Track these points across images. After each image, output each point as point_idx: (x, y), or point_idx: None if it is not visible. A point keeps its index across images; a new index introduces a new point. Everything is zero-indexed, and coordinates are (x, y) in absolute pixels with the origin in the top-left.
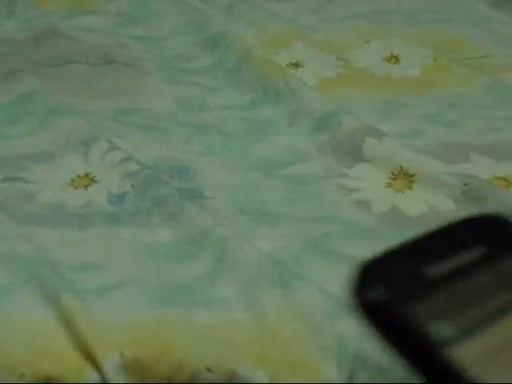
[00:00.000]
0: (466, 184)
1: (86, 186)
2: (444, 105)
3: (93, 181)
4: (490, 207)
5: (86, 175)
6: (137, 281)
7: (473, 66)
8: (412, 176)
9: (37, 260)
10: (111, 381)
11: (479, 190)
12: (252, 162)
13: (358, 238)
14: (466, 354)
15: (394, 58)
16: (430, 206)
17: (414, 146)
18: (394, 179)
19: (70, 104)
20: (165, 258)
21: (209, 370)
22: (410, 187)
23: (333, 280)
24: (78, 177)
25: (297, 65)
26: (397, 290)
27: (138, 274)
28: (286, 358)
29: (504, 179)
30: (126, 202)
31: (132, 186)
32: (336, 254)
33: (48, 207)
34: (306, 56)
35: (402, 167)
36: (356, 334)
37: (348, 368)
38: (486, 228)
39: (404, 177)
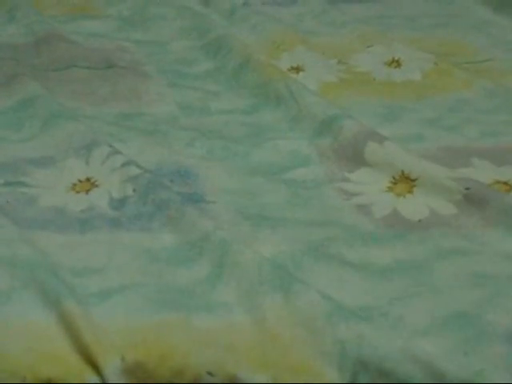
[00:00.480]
0: (467, 188)
1: (87, 191)
2: (445, 109)
3: (94, 185)
4: (491, 212)
5: (88, 179)
6: (138, 285)
7: (474, 70)
8: (413, 180)
9: (38, 264)
10: None
11: (480, 194)
12: (253, 167)
13: (359, 243)
14: None
15: (396, 62)
16: (431, 211)
17: (416, 150)
18: (395, 183)
19: (72, 108)
20: (166, 262)
21: (210, 373)
22: (411, 191)
23: (333, 284)
24: (80, 181)
25: (298, 69)
26: None
27: (138, 278)
28: (287, 362)
29: (505, 183)
30: (127, 207)
31: (134, 190)
32: (337, 258)
33: (49, 211)
34: (307, 60)
35: (403, 171)
36: (357, 339)
37: (349, 372)
38: None
39: (405, 181)
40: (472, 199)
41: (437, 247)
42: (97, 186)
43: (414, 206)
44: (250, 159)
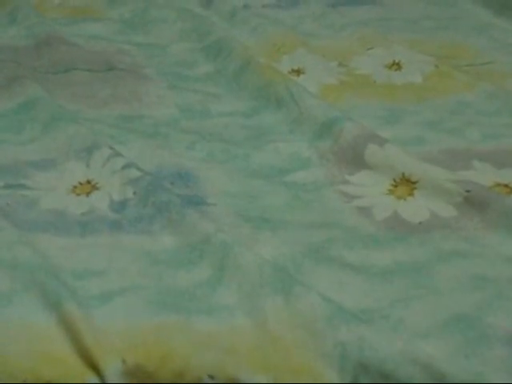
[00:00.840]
0: (467, 191)
1: (87, 193)
2: (446, 112)
3: (94, 188)
4: (491, 214)
5: (88, 182)
6: (138, 288)
7: (475, 73)
8: (414, 183)
9: (39, 266)
10: None
11: (481, 196)
12: (253, 169)
13: (360, 245)
14: None
15: (396, 65)
16: (432, 213)
17: (417, 152)
18: (396, 186)
19: (72, 111)
20: (166, 264)
21: (210, 376)
22: (411, 194)
23: (334, 286)
24: (80, 184)
25: (298, 71)
26: None
27: (139, 280)
28: (288, 364)
29: (506, 186)
30: (127, 209)
31: (134, 192)
32: (337, 260)
33: (50, 214)
34: (307, 63)
35: (403, 174)
36: (357, 341)
37: (349, 374)
38: None
39: (406, 183)
40: (472, 202)
41: (437, 250)
42: (97, 188)
43: (415, 209)
44: (251, 162)
